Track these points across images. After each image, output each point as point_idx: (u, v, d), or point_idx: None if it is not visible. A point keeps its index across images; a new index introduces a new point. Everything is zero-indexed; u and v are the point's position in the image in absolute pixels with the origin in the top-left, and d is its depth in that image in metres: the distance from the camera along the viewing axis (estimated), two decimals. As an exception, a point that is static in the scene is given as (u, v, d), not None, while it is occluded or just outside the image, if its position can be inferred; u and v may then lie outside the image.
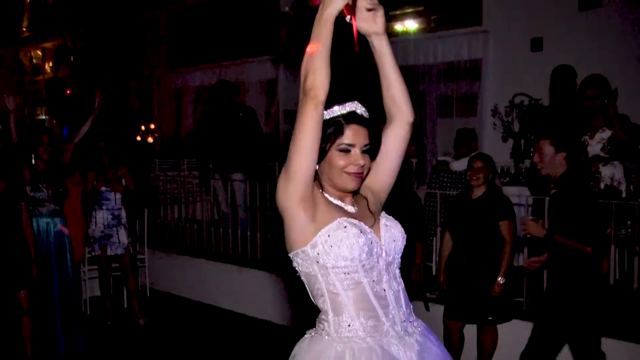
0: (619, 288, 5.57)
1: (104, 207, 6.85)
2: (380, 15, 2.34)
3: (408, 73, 10.19)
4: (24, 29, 19.67)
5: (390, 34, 10.11)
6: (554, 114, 6.32)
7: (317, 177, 2.35)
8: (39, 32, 18.79)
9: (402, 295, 2.39)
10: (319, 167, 2.31)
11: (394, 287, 2.35)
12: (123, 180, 6.92)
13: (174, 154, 11.70)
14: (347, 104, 2.33)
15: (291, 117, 11.02)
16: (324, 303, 2.31)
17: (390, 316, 2.31)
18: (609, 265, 5.51)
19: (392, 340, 2.28)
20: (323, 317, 2.33)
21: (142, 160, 9.96)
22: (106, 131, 7.77)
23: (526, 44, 8.98)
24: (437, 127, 10.05)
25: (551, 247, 4.45)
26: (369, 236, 2.28)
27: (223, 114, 8.42)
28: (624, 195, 5.50)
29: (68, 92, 15.69)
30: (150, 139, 14.61)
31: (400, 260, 2.43)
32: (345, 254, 2.22)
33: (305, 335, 2.42)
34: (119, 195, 6.89)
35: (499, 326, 5.25)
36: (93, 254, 7.03)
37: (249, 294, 7.49)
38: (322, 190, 2.37)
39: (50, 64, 18.60)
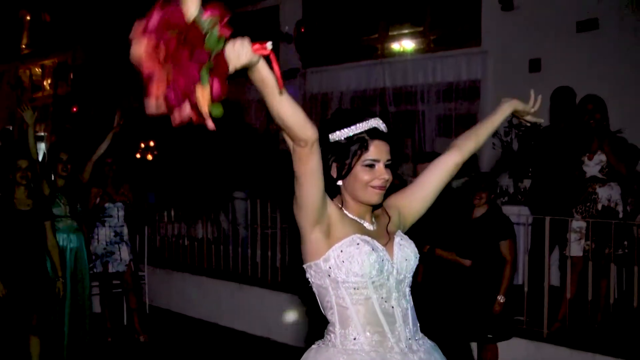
0: (619, 307, 5.61)
1: (106, 224, 6.87)
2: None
3: (407, 93, 10.28)
4: (24, 46, 19.73)
5: (390, 55, 10.24)
6: (553, 135, 6.38)
7: (340, 192, 2.40)
8: (38, 50, 18.85)
9: (410, 314, 2.41)
10: (342, 182, 2.36)
11: (402, 304, 2.38)
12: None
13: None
14: (370, 120, 2.36)
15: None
16: (332, 315, 2.35)
17: (396, 333, 2.33)
18: (608, 284, 5.56)
19: (395, 356, 2.30)
20: (331, 328, 2.37)
21: (142, 178, 9.99)
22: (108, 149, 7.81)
23: (525, 65, 9.05)
24: (436, 147, 10.10)
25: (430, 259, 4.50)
26: (381, 254, 2.31)
27: (223, 133, 8.46)
28: (620, 216, 5.54)
29: (74, 109, 15.69)
30: (149, 157, 14.63)
31: (411, 279, 2.46)
32: (356, 270, 2.25)
33: (313, 346, 2.46)
34: (121, 212, 6.92)
35: (499, 344, 5.27)
36: (95, 270, 7.04)
37: (249, 311, 7.50)
38: (343, 205, 2.41)
39: (50, 81, 18.65)
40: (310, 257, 2.33)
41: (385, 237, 2.44)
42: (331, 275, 2.30)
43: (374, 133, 2.34)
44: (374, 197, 2.36)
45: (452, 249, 5.18)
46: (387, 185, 2.37)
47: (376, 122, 2.37)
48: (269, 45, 1.86)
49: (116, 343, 7.06)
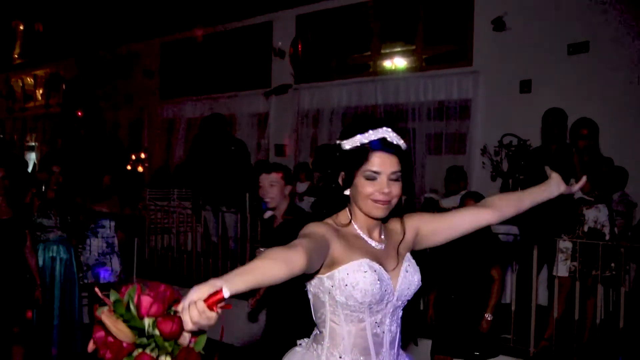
0: (605, 327, 5.65)
1: (99, 235, 6.89)
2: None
3: (398, 110, 10.34)
4: (16, 56, 19.72)
5: (382, 72, 10.29)
6: (544, 155, 6.43)
7: (349, 201, 2.38)
8: (31, 60, 18.85)
9: (397, 337, 2.44)
10: (350, 192, 2.35)
11: (393, 330, 2.40)
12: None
13: (164, 184, 11.73)
14: (378, 129, 2.31)
15: (281, 151, 11.09)
16: (324, 328, 2.38)
17: (381, 357, 2.36)
18: (595, 304, 5.60)
19: None
20: (319, 338, 2.40)
21: (133, 190, 9.99)
22: (98, 160, 7.85)
23: (515, 86, 9.13)
24: (427, 164, 10.16)
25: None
26: (385, 284, 2.30)
27: (214, 147, 8.49)
28: (607, 237, 5.58)
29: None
30: (140, 169, 14.64)
31: (407, 301, 2.46)
32: (357, 296, 2.25)
33: (297, 349, 2.51)
34: (113, 223, 6.94)
35: (486, 362, 5.31)
36: (85, 281, 7.04)
37: (241, 325, 7.50)
38: (352, 217, 2.39)
39: (42, 91, 18.63)
40: None
41: (393, 259, 2.42)
42: (331, 293, 2.30)
43: (378, 144, 2.29)
44: (375, 211, 2.32)
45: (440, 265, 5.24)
46: (393, 199, 2.32)
47: (384, 133, 2.31)
48: (225, 291, 1.64)
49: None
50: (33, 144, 19.00)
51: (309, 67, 11.39)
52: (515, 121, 8.83)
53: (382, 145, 2.29)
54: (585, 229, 5.66)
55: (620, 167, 7.38)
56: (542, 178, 5.70)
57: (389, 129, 2.32)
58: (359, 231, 2.38)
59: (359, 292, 2.24)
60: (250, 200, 8.93)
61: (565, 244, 5.68)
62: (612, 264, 5.56)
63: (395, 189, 2.31)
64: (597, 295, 5.62)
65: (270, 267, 1.84)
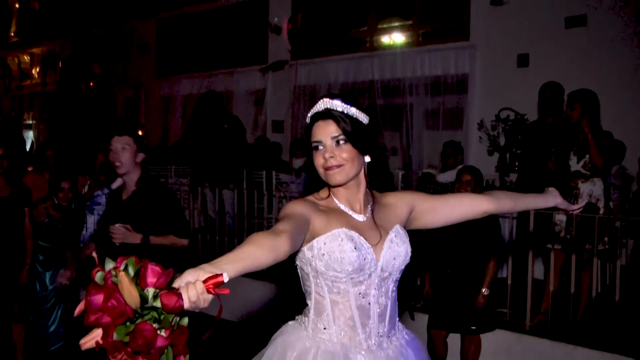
0: (601, 300, 5.66)
1: (95, 212, 6.85)
2: None
3: (395, 86, 10.31)
4: (12, 34, 19.63)
5: (379, 48, 10.26)
6: (540, 129, 6.41)
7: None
8: (27, 38, 18.76)
9: (389, 311, 2.43)
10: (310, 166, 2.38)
11: (381, 302, 2.39)
12: None
13: (161, 161, 11.70)
14: (318, 102, 2.35)
15: (278, 127, 11.07)
16: (309, 301, 2.40)
17: (367, 329, 2.36)
18: (590, 277, 5.61)
19: (361, 351, 2.34)
20: (306, 311, 2.43)
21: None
22: (95, 137, 7.80)
23: (513, 60, 9.09)
24: (424, 140, 10.14)
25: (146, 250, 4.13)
26: (364, 252, 2.29)
27: (209, 125, 8.46)
28: (601, 212, 5.57)
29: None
30: (137, 145, 14.57)
31: (399, 275, 2.45)
32: (334, 265, 2.26)
33: (289, 323, 2.53)
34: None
35: (482, 336, 5.32)
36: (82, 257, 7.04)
37: (236, 301, 7.51)
38: (331, 193, 2.41)
39: (38, 70, 18.57)
40: None
41: (375, 230, 2.41)
42: (312, 264, 2.32)
43: (317, 115, 2.33)
44: (332, 178, 2.32)
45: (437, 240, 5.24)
46: (346, 164, 2.30)
47: (322, 104, 2.33)
48: (225, 276, 1.68)
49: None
50: (30, 122, 18.96)
51: (305, 42, 11.35)
52: (513, 95, 8.81)
53: (318, 115, 2.33)
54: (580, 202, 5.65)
55: (618, 141, 7.36)
56: (539, 152, 5.69)
57: (327, 99, 2.33)
58: (339, 204, 2.40)
59: (336, 260, 2.25)
60: (248, 176, 8.93)
61: (559, 217, 5.68)
62: (606, 238, 5.55)
63: (343, 152, 2.29)
64: (594, 269, 5.62)
65: (259, 255, 1.87)
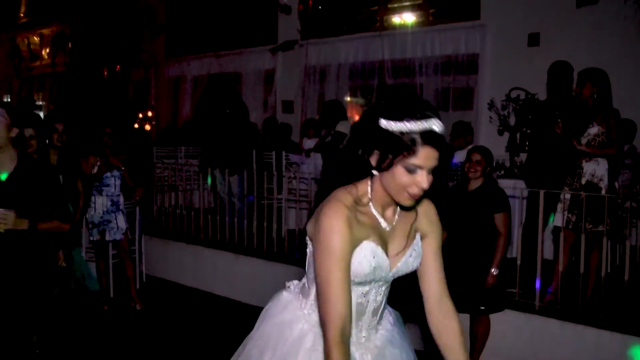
0: (611, 281, 5.65)
1: (103, 193, 6.88)
2: None
3: (405, 66, 10.28)
4: (22, 15, 19.63)
5: (389, 27, 10.21)
6: (550, 109, 6.37)
7: (371, 175, 2.23)
8: (36, 18, 18.75)
9: (382, 306, 2.43)
10: (378, 173, 2.18)
11: (378, 300, 2.38)
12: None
13: (171, 141, 11.72)
14: (429, 120, 2.08)
15: (288, 107, 11.07)
16: (312, 286, 2.37)
17: (360, 324, 2.36)
18: (599, 258, 5.59)
19: (352, 346, 2.31)
20: (307, 293, 2.42)
21: (140, 148, 9.98)
22: (106, 118, 7.80)
23: (523, 39, 9.04)
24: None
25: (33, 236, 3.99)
26: (381, 266, 2.25)
27: (213, 110, 8.46)
28: (603, 192, 5.53)
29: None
30: (147, 127, 14.63)
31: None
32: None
33: (284, 292, 2.57)
34: (118, 181, 6.91)
35: (491, 316, 5.32)
36: (91, 239, 7.07)
37: (245, 281, 7.54)
38: (371, 191, 2.26)
39: (48, 50, 18.57)
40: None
41: (401, 240, 2.35)
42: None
43: (427, 137, 2.07)
44: (406, 201, 2.20)
45: (447, 221, 5.21)
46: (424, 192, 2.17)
47: (434, 124, 2.09)
48: None
49: (112, 311, 7.10)
50: (40, 103, 19.00)
51: (315, 22, 11.31)
52: (523, 75, 8.76)
53: (431, 139, 2.07)
54: (583, 181, 5.63)
55: (629, 120, 7.32)
56: (549, 131, 5.66)
57: (438, 120, 2.10)
58: (374, 210, 2.28)
59: (353, 267, 2.19)
60: (258, 157, 8.93)
61: (567, 196, 5.67)
62: (607, 220, 5.51)
63: (429, 182, 2.14)
64: (603, 250, 5.60)
65: None
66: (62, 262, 5.35)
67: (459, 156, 6.99)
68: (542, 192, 5.62)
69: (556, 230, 5.92)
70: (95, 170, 6.76)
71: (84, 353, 5.88)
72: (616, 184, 5.78)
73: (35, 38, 19.16)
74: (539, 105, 7.44)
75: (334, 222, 2.14)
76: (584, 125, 5.61)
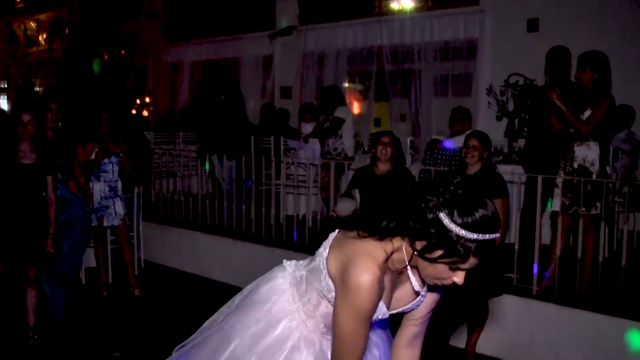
0: (608, 265, 5.66)
1: (101, 179, 6.87)
2: None
3: (404, 51, 10.24)
4: (18, 0, 19.54)
5: (388, 13, 10.17)
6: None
7: (399, 236, 2.16)
8: (33, 4, 18.67)
9: None
10: (417, 252, 2.08)
11: None
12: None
13: (169, 127, 11.71)
14: (492, 235, 1.97)
15: (286, 93, 11.05)
16: (310, 293, 2.44)
17: None
18: (598, 243, 5.59)
19: (323, 341, 2.49)
20: (300, 295, 2.49)
21: (138, 134, 9.97)
22: (103, 104, 7.77)
23: (522, 25, 9.02)
24: (433, 106, 10.09)
25: None
26: (380, 312, 2.24)
27: (209, 97, 8.45)
28: (594, 176, 5.53)
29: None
30: (145, 113, 14.61)
31: None
32: None
33: (279, 277, 2.62)
34: (116, 168, 6.90)
35: (489, 301, 5.33)
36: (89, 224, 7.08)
37: (242, 266, 7.55)
38: (393, 251, 2.18)
39: (45, 36, 18.51)
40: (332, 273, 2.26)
41: (407, 299, 2.39)
42: (329, 296, 2.31)
43: (481, 248, 1.98)
44: (434, 286, 2.23)
45: None
46: None
47: (491, 238, 1.99)
48: None
49: (111, 297, 7.11)
50: (37, 88, 18.96)
51: (314, 7, 11.27)
52: (522, 61, 8.75)
53: (484, 251, 2.00)
54: (575, 165, 5.63)
55: (627, 106, 7.31)
56: (546, 117, 5.65)
57: (497, 235, 2.00)
58: (411, 277, 2.27)
59: None
60: (256, 142, 8.92)
61: (560, 180, 5.68)
62: (598, 203, 5.51)
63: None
64: (601, 234, 5.61)
65: None
66: (51, 247, 5.39)
67: (458, 141, 6.99)
68: (540, 177, 5.62)
69: (554, 215, 5.93)
70: (93, 156, 6.75)
71: (83, 339, 5.90)
72: (608, 168, 5.78)
73: (32, 24, 19.08)
74: (537, 91, 7.43)
75: (367, 282, 2.09)
76: (580, 110, 5.59)
